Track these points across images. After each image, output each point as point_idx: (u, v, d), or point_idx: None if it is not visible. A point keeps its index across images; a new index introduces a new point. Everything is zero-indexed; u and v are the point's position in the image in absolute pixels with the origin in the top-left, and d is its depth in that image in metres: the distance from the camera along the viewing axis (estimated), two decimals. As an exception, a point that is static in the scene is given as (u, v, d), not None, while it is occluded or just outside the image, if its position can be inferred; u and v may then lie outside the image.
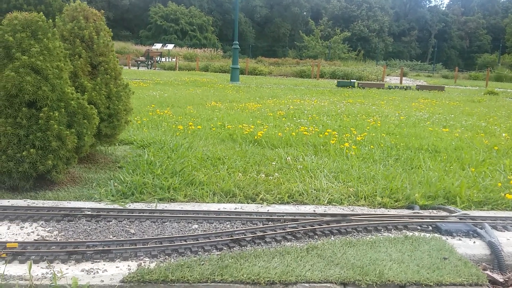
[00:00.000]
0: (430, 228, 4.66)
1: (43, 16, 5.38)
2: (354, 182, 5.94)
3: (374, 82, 29.56)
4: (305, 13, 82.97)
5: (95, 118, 5.71)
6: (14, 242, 3.87)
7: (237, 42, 27.23)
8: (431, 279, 3.54)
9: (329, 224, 4.53)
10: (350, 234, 4.41)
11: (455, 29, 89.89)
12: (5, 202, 5.03)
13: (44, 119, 5.08)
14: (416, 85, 26.71)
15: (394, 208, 5.32)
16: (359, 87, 25.18)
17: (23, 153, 5.03)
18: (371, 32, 74.05)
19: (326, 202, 5.33)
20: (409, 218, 4.84)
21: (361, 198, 5.46)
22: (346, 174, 6.32)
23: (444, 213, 5.17)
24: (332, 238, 4.30)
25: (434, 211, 5.29)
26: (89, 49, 6.41)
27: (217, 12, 77.96)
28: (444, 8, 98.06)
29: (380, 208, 5.31)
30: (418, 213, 5.10)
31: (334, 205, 5.32)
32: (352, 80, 26.69)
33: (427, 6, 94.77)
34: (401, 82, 33.32)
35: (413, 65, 59.15)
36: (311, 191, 5.55)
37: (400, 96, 21.25)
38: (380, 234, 4.44)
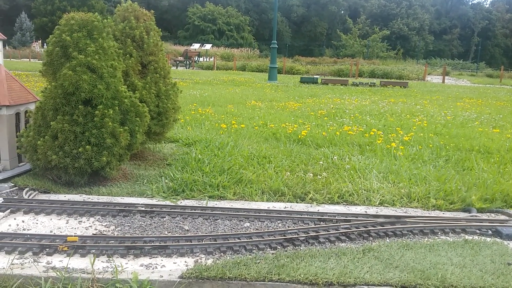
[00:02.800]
0: (490, 232, 4.48)
1: (98, 16, 5.52)
2: (406, 183, 5.78)
3: (338, 78, 28.71)
4: (342, 11, 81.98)
5: (146, 116, 5.81)
6: (74, 236, 3.98)
7: (275, 42, 27.19)
8: (497, 285, 3.39)
9: (383, 226, 4.43)
10: (406, 237, 4.29)
11: (499, 27, 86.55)
12: (62, 197, 5.19)
13: (99, 116, 5.21)
14: (380, 81, 26.11)
15: (449, 211, 5.15)
16: (323, 83, 25.34)
17: (79, 149, 5.17)
18: (410, 30, 72.35)
19: (377, 203, 5.21)
20: (467, 222, 4.67)
21: (414, 200, 5.31)
22: (395, 174, 6.17)
23: (503, 217, 4.96)
24: (388, 240, 4.20)
25: (493, 214, 5.09)
26: (139, 49, 6.53)
27: (254, 12, 78.18)
28: (487, 6, 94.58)
29: (434, 210, 5.15)
30: (475, 216, 4.91)
31: (386, 206, 5.20)
32: (315, 76, 26.82)
33: (470, 3, 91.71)
34: (443, 81, 32.40)
35: (455, 64, 57.37)
36: (361, 192, 5.44)
37: (443, 95, 20.63)
38: (437, 237, 4.30)
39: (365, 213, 4.89)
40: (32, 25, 63.77)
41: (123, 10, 6.68)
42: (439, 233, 4.39)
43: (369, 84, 25.43)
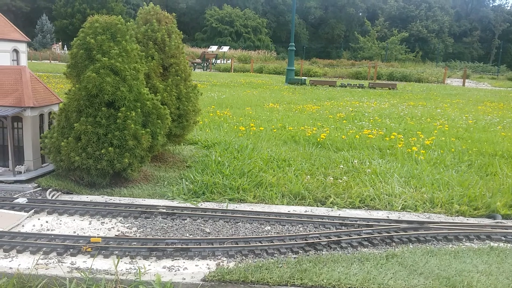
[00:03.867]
0: (516, 239, 4.38)
1: (122, 19, 5.57)
2: (428, 188, 5.70)
3: (326, 80, 28.49)
4: (360, 13, 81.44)
5: (167, 118, 5.84)
6: (97, 237, 4.02)
7: (293, 44, 27.13)
8: (525, 294, 3.31)
9: (406, 232, 4.37)
10: (430, 243, 4.22)
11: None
12: (85, 198, 5.25)
13: (122, 118, 5.26)
14: (369, 83, 26.02)
15: (474, 217, 5.05)
16: (311, 84, 25.24)
17: (102, 151, 5.23)
18: (430, 33, 71.44)
19: (399, 208, 5.15)
20: (492, 228, 4.58)
21: (437, 205, 5.23)
22: (417, 179, 6.08)
23: (529, 224, 4.85)
24: (411, 246, 4.14)
25: (518, 221, 4.97)
26: (161, 51, 6.57)
27: (271, 14, 78.23)
28: (509, 8, 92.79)
29: (458, 216, 5.06)
30: (501, 223, 4.81)
31: (408, 211, 5.13)
32: (303, 78, 26.89)
33: (491, 5, 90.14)
34: (463, 84, 31.89)
35: (475, 67, 56.41)
36: (383, 196, 5.38)
37: (464, 98, 20.31)
38: (462, 244, 4.23)
39: (387, 218, 4.83)
40: (53, 27, 64.83)
41: (145, 13, 6.74)
42: (464, 240, 4.32)
43: (358, 85, 25.42)
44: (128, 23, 5.79)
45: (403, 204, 5.20)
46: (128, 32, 5.60)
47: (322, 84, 25.87)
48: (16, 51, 6.82)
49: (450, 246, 4.17)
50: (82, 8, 60.27)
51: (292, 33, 27.82)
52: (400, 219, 4.79)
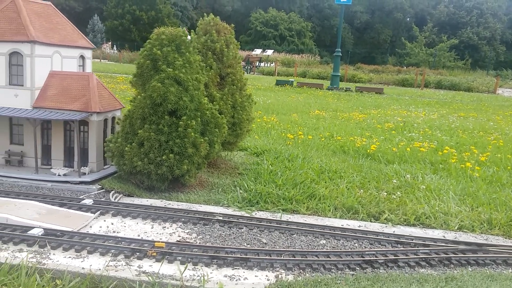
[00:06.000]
0: None
1: (186, 32, 5.80)
2: (485, 207, 5.59)
3: (313, 82, 28.33)
4: (408, 18, 79.67)
5: (224, 127, 6.02)
6: (161, 241, 4.22)
7: (339, 50, 26.99)
8: None
9: (464, 254, 4.32)
10: (489, 266, 4.16)
11: None
12: (145, 201, 5.50)
13: (183, 127, 5.47)
14: (356, 87, 25.63)
15: (534, 241, 4.92)
16: (298, 86, 25.40)
17: (163, 157, 5.46)
18: (480, 40, 68.92)
19: (456, 228, 5.08)
20: (555, 255, 4.45)
21: (495, 227, 5.13)
22: (473, 198, 5.97)
23: None
24: (470, 268, 4.09)
25: None
26: (219, 61, 6.76)
27: (316, 18, 77.88)
28: None
29: (517, 239, 4.95)
30: None
31: (464, 231, 5.05)
32: (290, 80, 26.94)
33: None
34: (516, 95, 30.64)
35: (529, 76, 53.96)
36: (439, 215, 5.32)
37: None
38: (523, 270, 4.14)
39: (443, 237, 4.79)
40: (103, 27, 67.19)
41: (205, 23, 6.95)
42: (525, 266, 4.22)
43: (345, 89, 25.45)
44: (191, 35, 6.01)
45: (459, 224, 5.13)
46: (192, 43, 5.81)
47: (310, 86, 25.96)
48: (82, 57, 7.20)
49: (511, 271, 4.09)
50: (131, 10, 62.16)
51: (339, 39, 27.68)
52: (457, 239, 4.74)
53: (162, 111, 5.48)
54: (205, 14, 7.04)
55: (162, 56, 5.49)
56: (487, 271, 4.01)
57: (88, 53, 7.42)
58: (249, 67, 41.90)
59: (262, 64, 46.40)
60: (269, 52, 50.37)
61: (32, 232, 4.26)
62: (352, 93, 24.38)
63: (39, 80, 6.24)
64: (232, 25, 7.19)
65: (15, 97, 6.21)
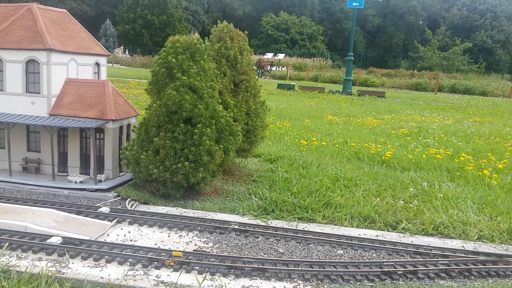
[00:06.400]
0: None
1: (200, 39, 5.81)
2: (504, 216, 5.50)
3: (315, 86, 28.58)
4: (421, 22, 79.11)
5: (239, 134, 6.01)
6: (177, 251, 4.21)
7: (352, 54, 26.89)
8: None
9: (485, 265, 4.25)
10: (510, 278, 4.09)
11: None
12: (161, 209, 5.50)
13: (198, 134, 5.47)
14: (358, 91, 25.76)
15: (556, 252, 4.82)
16: (300, 90, 25.90)
17: (178, 165, 5.46)
18: (495, 43, 68.14)
19: (475, 238, 5.00)
20: None
21: (515, 237, 5.04)
22: (492, 206, 5.88)
23: None
24: (490, 280, 4.02)
25: None
26: (233, 68, 6.77)
27: (327, 21, 77.73)
28: None
29: (539, 250, 4.85)
30: None
31: (484, 241, 4.97)
32: (292, 84, 27.25)
33: None
34: (532, 99, 30.18)
35: (545, 80, 53.20)
36: (457, 224, 5.24)
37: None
38: (546, 283, 4.05)
39: (462, 248, 4.72)
40: (115, 32, 67.78)
41: (219, 31, 6.97)
42: (548, 278, 4.13)
43: (346, 92, 25.64)
44: (206, 43, 6.01)
45: (478, 234, 5.05)
46: (206, 51, 5.82)
47: (310, 90, 26.33)
48: (97, 64, 7.26)
49: (533, 283, 4.00)
50: (143, 14, 62.68)
51: (351, 43, 27.59)
52: (476, 250, 4.67)
53: (177, 118, 5.49)
54: (218, 21, 7.06)
55: (177, 64, 5.51)
56: (509, 283, 3.94)
57: (103, 60, 7.48)
58: (260, 71, 41.92)
59: (273, 68, 46.37)
60: (281, 56, 50.35)
61: (51, 240, 4.29)
62: (354, 96, 24.46)
63: (55, 88, 6.30)
64: (246, 32, 7.20)
65: (32, 104, 6.28)
